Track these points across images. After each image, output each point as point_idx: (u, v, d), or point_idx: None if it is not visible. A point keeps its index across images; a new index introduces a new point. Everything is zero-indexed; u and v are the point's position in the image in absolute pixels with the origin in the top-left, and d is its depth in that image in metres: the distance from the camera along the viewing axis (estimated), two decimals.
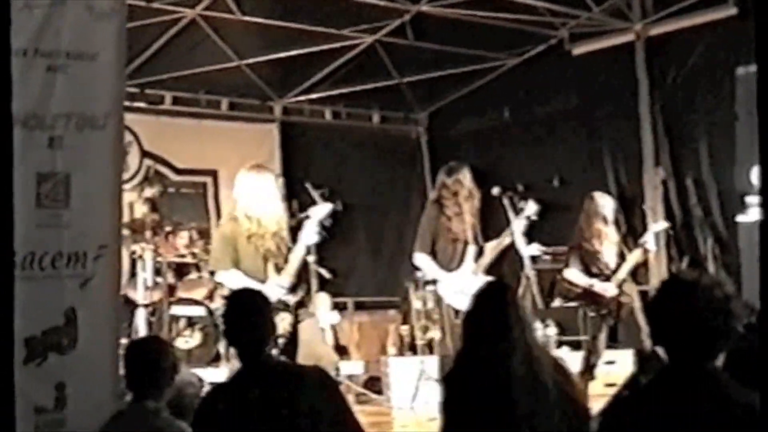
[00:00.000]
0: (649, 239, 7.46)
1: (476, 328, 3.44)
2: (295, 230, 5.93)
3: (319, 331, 5.84)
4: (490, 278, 6.76)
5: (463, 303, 6.71)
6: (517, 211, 6.86)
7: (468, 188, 6.92)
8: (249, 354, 3.49)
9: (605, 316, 7.21)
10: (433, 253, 6.86)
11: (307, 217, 5.82)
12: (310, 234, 5.74)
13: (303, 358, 5.66)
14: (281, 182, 5.98)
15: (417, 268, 7.23)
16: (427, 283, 8.77)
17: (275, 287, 5.60)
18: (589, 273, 7.32)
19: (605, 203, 7.50)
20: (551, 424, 3.23)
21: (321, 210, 5.81)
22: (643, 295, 7.59)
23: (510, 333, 3.29)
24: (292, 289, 5.71)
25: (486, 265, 6.87)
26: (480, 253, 6.90)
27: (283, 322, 5.63)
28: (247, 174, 5.88)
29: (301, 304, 5.80)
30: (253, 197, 5.75)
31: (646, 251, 7.47)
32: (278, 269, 5.70)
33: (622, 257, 7.42)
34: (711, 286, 2.59)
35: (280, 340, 5.61)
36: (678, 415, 2.51)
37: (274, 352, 5.52)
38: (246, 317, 3.54)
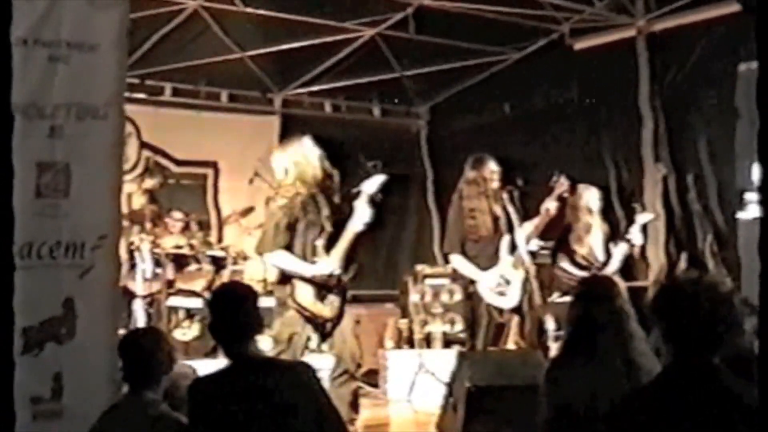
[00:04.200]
0: (634, 232, 7.46)
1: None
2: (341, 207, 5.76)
3: (351, 321, 5.74)
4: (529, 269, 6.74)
5: (505, 301, 6.75)
6: (517, 207, 6.79)
7: (495, 180, 6.80)
8: (230, 348, 3.51)
9: None
10: (464, 252, 6.77)
11: (359, 192, 5.63)
12: (363, 211, 5.58)
13: (335, 345, 5.60)
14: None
15: (454, 269, 7.18)
16: (425, 276, 8.79)
17: (326, 268, 5.52)
18: (577, 266, 7.31)
19: (590, 195, 7.51)
20: None
21: (374, 182, 5.63)
22: (634, 290, 7.58)
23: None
24: (344, 269, 5.62)
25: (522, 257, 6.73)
26: (514, 245, 6.78)
27: (331, 305, 5.57)
28: (284, 148, 5.82)
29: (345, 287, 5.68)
30: (302, 161, 5.63)
31: (632, 245, 7.48)
32: (329, 248, 5.56)
33: (608, 249, 7.44)
34: (714, 283, 2.66)
35: (328, 325, 5.55)
36: (687, 410, 2.55)
37: (315, 336, 5.47)
38: (226, 312, 3.54)
